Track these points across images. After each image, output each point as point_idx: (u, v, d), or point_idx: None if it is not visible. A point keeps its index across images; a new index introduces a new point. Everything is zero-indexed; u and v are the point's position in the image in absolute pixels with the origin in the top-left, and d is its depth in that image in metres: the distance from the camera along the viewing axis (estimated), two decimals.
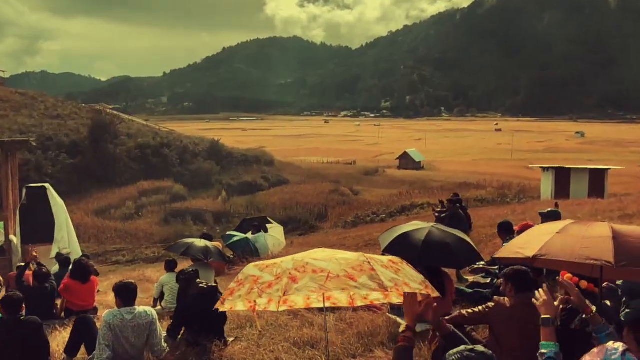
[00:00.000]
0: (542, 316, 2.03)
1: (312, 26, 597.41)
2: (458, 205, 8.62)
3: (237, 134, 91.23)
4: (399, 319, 4.05)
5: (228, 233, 10.70)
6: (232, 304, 2.64)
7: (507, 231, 5.31)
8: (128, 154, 36.38)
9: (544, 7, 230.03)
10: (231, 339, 3.99)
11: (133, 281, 3.64)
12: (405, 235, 4.20)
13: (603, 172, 19.79)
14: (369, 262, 2.51)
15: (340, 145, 77.19)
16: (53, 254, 8.83)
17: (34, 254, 6.28)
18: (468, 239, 4.39)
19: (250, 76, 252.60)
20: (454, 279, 5.24)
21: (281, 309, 2.73)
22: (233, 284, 2.66)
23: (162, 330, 3.66)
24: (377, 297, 2.71)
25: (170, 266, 6.27)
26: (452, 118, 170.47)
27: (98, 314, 5.16)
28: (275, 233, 10.58)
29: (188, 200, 32.03)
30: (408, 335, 1.95)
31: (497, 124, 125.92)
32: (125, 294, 3.45)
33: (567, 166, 20.86)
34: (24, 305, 3.65)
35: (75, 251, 9.80)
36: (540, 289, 2.14)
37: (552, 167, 20.16)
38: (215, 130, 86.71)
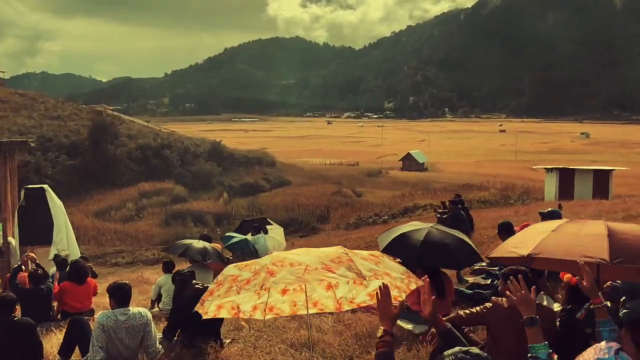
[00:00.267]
0: (526, 316, 1.92)
1: (315, 26, 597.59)
2: (460, 206, 8.61)
3: (239, 135, 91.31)
4: (397, 321, 3.95)
5: (227, 234, 10.64)
6: (214, 308, 2.58)
7: (507, 232, 5.21)
8: (128, 155, 36.33)
9: (549, 7, 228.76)
10: (227, 341, 3.97)
11: (127, 282, 3.60)
12: (404, 236, 4.16)
13: (607, 173, 19.66)
14: (347, 254, 2.51)
15: (343, 147, 77.01)
16: (51, 255, 8.80)
17: (31, 254, 6.23)
18: (468, 240, 4.33)
19: (253, 77, 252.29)
20: (455, 280, 5.21)
21: (267, 316, 2.67)
22: (212, 285, 2.63)
23: (156, 331, 3.62)
24: (363, 300, 2.64)
25: (167, 267, 6.22)
26: (455, 119, 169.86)
27: (94, 315, 5.08)
28: (275, 234, 10.48)
29: (189, 202, 32.02)
30: (387, 340, 1.88)
31: (501, 125, 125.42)
32: (119, 294, 3.41)
33: (571, 167, 20.75)
34: (19, 307, 3.62)
35: (74, 253, 9.77)
36: (513, 282, 2.03)
37: (556, 168, 20.07)
38: (217, 131, 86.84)
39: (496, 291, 4.18)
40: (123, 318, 3.33)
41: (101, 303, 6.29)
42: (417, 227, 4.32)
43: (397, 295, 2.49)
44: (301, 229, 25.86)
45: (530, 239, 2.81)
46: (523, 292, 1.98)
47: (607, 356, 1.58)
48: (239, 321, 4.26)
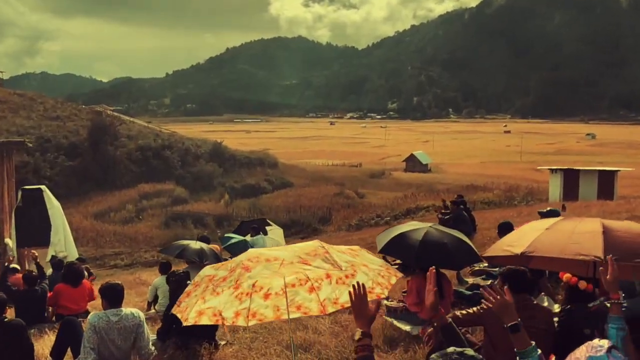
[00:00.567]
0: (509, 324, 1.81)
1: (318, 26, 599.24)
2: (462, 207, 8.57)
3: (241, 136, 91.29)
4: (395, 322, 4.04)
5: (226, 235, 10.54)
6: (194, 315, 2.52)
7: (507, 232, 5.06)
8: (128, 156, 36.13)
9: (554, 6, 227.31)
10: (223, 342, 3.94)
11: (119, 282, 3.55)
12: (402, 236, 4.11)
13: (612, 173, 19.49)
14: (323, 247, 2.51)
15: (346, 148, 76.79)
16: (49, 257, 8.73)
17: (35, 252, 6.17)
18: (467, 240, 4.26)
19: (255, 77, 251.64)
20: (455, 281, 5.18)
21: (251, 323, 2.60)
22: (190, 287, 2.61)
23: (149, 333, 3.57)
24: (347, 299, 2.49)
25: (164, 269, 6.12)
26: (460, 119, 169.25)
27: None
28: (274, 235, 10.37)
29: (190, 203, 31.85)
30: (366, 343, 1.76)
31: (506, 126, 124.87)
32: (111, 295, 3.36)
33: (575, 168, 20.62)
34: (11, 308, 3.52)
35: (72, 254, 9.71)
36: (486, 290, 1.93)
37: (561, 169, 19.97)
38: (219, 132, 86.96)
39: None
40: (115, 319, 3.27)
41: (97, 305, 6.25)
42: (415, 227, 4.27)
43: (380, 293, 2.46)
44: (302, 231, 25.76)
45: (524, 237, 2.76)
46: (499, 297, 1.86)
47: (599, 354, 1.56)
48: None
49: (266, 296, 2.61)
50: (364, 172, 45.57)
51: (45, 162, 32.53)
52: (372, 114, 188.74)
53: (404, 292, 4.57)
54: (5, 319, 3.44)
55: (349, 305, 2.43)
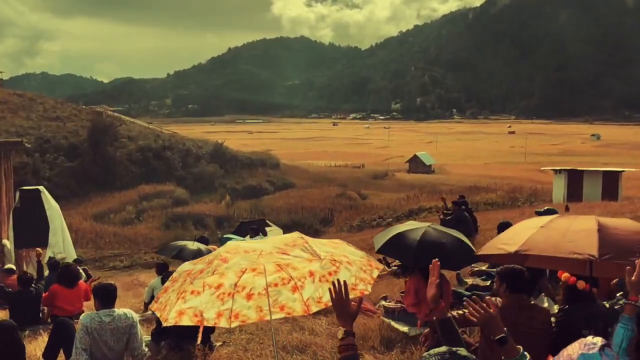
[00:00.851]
0: (497, 336, 1.76)
1: (320, 26, 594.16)
2: (463, 207, 8.52)
3: (243, 137, 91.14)
4: (392, 323, 4.02)
5: (225, 236, 10.47)
6: (174, 315, 2.47)
7: None
8: (129, 157, 35.94)
9: (559, 6, 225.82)
10: (218, 344, 3.92)
11: (112, 282, 3.52)
12: (400, 235, 4.08)
13: (617, 174, 19.39)
14: (302, 238, 2.52)
15: (349, 148, 76.58)
16: (47, 258, 8.71)
17: (39, 250, 6.12)
18: (466, 240, 4.20)
19: (257, 77, 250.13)
20: (454, 281, 5.16)
21: (234, 324, 2.53)
22: (168, 283, 2.59)
23: (143, 334, 3.54)
24: (330, 299, 2.46)
25: (161, 269, 6.03)
26: (464, 120, 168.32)
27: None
28: (274, 236, 10.29)
29: (190, 205, 31.76)
30: (350, 342, 1.73)
31: (510, 127, 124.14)
32: (104, 295, 3.32)
33: (579, 168, 20.51)
34: (5, 309, 3.46)
35: (70, 256, 9.65)
36: (470, 304, 1.85)
37: (565, 170, 19.90)
38: (221, 132, 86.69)
39: (496, 293, 4.06)
40: (107, 319, 3.23)
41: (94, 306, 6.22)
42: (413, 226, 4.24)
43: (363, 289, 2.42)
44: (303, 232, 25.19)
45: (518, 235, 2.73)
46: (482, 311, 1.79)
47: (592, 352, 1.55)
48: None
49: (249, 296, 2.53)
50: (367, 173, 45.40)
51: (44, 162, 32.38)
52: (375, 115, 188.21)
53: (402, 293, 4.52)
54: None
55: (327, 304, 2.43)
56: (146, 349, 3.46)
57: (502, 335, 1.75)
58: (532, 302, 2.85)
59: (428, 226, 4.18)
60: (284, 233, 12.25)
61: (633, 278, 2.09)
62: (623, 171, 19.98)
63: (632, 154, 64.14)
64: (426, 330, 2.85)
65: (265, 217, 24.16)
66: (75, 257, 9.73)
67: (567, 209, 8.82)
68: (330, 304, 2.34)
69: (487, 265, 5.41)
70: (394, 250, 4.10)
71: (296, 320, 4.20)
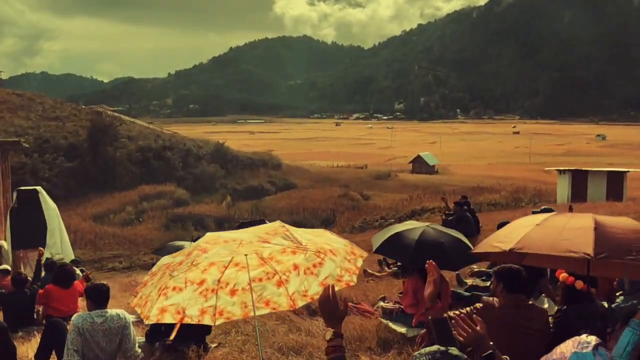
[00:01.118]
0: (485, 354, 1.75)
1: (323, 25, 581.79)
2: (465, 207, 8.41)
3: (245, 137, 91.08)
4: (390, 324, 4.00)
5: None
6: (156, 312, 2.42)
7: None
8: (129, 157, 35.74)
9: (564, 5, 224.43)
10: (214, 345, 3.90)
11: (105, 282, 3.48)
12: (398, 235, 4.07)
13: (622, 174, 19.28)
14: (284, 226, 2.52)
15: (352, 149, 76.38)
16: (44, 259, 8.63)
17: (41, 249, 6.09)
18: (465, 240, 4.18)
19: (259, 77, 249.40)
20: (455, 282, 5.14)
21: (218, 322, 2.45)
22: (147, 277, 2.57)
23: (136, 335, 3.48)
24: (316, 291, 2.44)
25: None
26: (468, 120, 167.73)
27: None
28: None
29: (191, 205, 31.64)
30: (338, 344, 1.70)
31: (515, 127, 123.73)
32: (96, 296, 3.28)
33: (584, 168, 20.44)
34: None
35: (68, 256, 9.55)
36: (457, 322, 1.84)
37: (569, 170, 19.84)
38: (222, 133, 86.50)
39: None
40: (100, 320, 3.20)
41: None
42: (412, 226, 4.22)
43: (349, 280, 2.40)
44: None
45: (514, 233, 2.71)
46: (469, 330, 1.78)
47: (585, 351, 1.53)
48: (226, 325, 4.15)
49: (232, 292, 2.47)
50: (370, 174, 45.19)
51: (43, 163, 32.16)
52: (379, 115, 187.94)
53: (400, 294, 4.50)
54: None
55: (314, 298, 2.42)
56: (139, 350, 3.43)
57: (490, 352, 1.74)
58: (531, 302, 2.84)
59: (427, 226, 4.14)
60: None
61: None
62: (628, 171, 19.84)
63: (637, 155, 63.42)
64: (423, 331, 2.84)
65: (266, 217, 23.95)
66: (73, 258, 9.62)
67: (570, 209, 8.64)
68: (316, 297, 2.39)
69: (487, 266, 5.35)
70: (392, 250, 4.07)
71: (293, 321, 4.20)
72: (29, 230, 9.67)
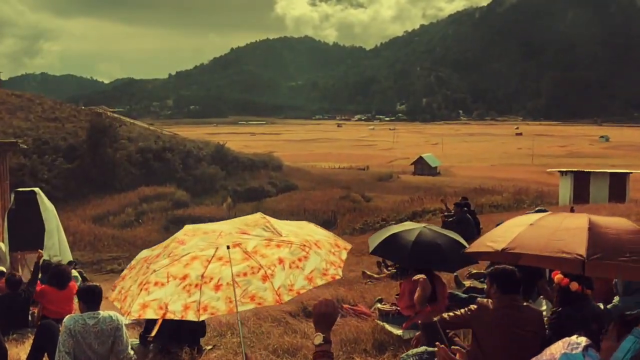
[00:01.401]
0: None
1: (324, 25, 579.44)
2: (466, 209, 8.42)
3: (246, 138, 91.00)
4: (387, 325, 4.01)
5: None
6: (137, 308, 2.36)
7: None
8: (128, 159, 35.57)
9: (567, 5, 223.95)
10: (208, 347, 3.87)
11: (97, 284, 3.42)
12: (395, 236, 4.05)
13: (624, 176, 19.15)
14: (264, 218, 2.53)
15: (353, 150, 76.27)
16: (42, 261, 8.61)
17: (41, 251, 6.03)
18: (462, 241, 4.14)
19: (260, 78, 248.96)
20: (453, 284, 5.14)
21: (202, 317, 2.37)
22: (125, 271, 2.57)
23: (129, 337, 3.45)
24: (302, 285, 2.41)
25: None
26: (470, 121, 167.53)
27: None
28: None
29: (191, 207, 31.49)
30: (326, 349, 1.70)
31: (517, 128, 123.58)
32: (88, 297, 3.26)
33: (586, 170, 20.30)
34: None
35: (66, 258, 9.48)
36: (441, 351, 1.84)
37: (571, 171, 19.69)
38: (223, 134, 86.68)
39: None
40: (92, 322, 3.17)
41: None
42: (409, 227, 4.23)
43: (335, 274, 2.39)
44: None
45: (507, 233, 2.68)
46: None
47: (575, 352, 1.53)
48: (222, 327, 4.18)
49: (217, 287, 2.41)
50: (371, 175, 45.05)
51: (42, 164, 32.01)
52: (381, 116, 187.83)
53: (397, 296, 4.47)
54: None
55: (305, 291, 2.44)
56: (132, 352, 3.40)
57: None
58: (527, 304, 2.83)
59: (423, 227, 4.14)
60: None
61: None
62: (630, 173, 19.74)
63: None
64: (418, 333, 2.81)
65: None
66: (71, 259, 9.60)
67: (572, 210, 8.57)
68: (302, 291, 2.41)
69: (485, 267, 5.33)
70: (389, 251, 4.08)
71: (289, 323, 4.18)
72: (27, 231, 9.55)
